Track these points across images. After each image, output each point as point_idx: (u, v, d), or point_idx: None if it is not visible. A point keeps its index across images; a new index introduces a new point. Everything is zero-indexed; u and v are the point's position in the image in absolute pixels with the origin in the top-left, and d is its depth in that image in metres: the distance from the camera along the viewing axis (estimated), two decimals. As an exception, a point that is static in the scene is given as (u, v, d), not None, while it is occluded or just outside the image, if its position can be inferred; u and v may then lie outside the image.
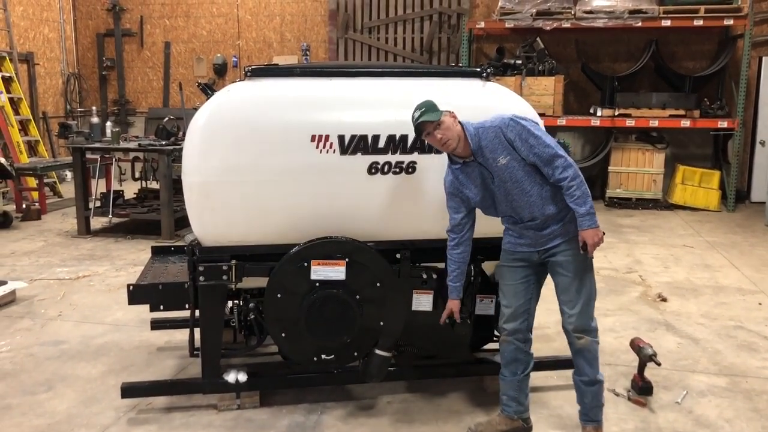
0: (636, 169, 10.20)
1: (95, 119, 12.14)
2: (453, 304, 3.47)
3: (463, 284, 3.46)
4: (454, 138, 3.16)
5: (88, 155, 8.08)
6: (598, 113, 10.04)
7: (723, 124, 9.79)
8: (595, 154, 10.72)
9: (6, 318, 5.19)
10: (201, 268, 3.51)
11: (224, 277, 3.52)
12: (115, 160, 8.42)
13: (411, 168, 3.53)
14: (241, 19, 12.44)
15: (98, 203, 8.06)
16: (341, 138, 3.44)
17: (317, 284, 3.46)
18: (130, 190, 8.76)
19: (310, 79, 3.62)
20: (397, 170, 3.53)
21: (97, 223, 8.26)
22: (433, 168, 3.54)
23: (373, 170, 3.50)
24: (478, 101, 3.67)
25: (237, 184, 3.42)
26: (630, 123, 9.86)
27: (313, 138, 3.43)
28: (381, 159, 3.50)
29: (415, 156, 3.52)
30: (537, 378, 4.05)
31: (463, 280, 3.45)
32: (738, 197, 10.12)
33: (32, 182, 9.65)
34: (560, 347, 4.53)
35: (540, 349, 4.41)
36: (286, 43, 12.34)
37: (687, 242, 7.91)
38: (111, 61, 12.88)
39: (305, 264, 3.45)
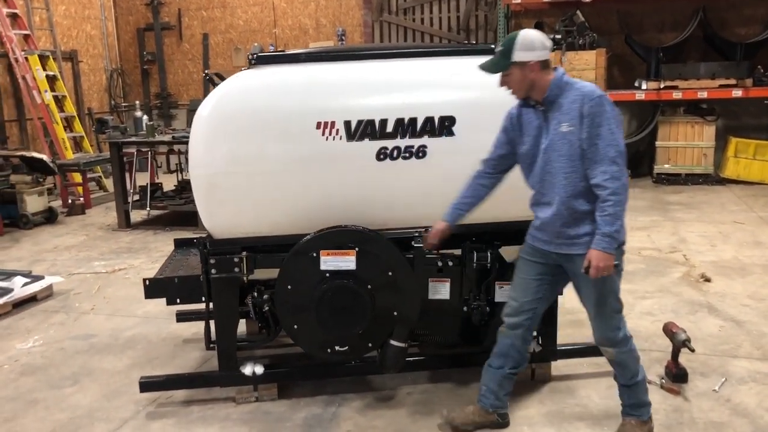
0: (685, 143, 9.77)
1: (138, 113, 12.32)
2: (439, 224, 3.23)
3: (462, 215, 3.22)
4: (517, 90, 2.97)
5: (125, 149, 8.19)
6: (643, 86, 9.65)
7: (778, 92, 9.27)
8: (642, 129, 10.28)
9: (42, 312, 5.30)
10: (212, 261, 3.48)
11: (236, 270, 3.48)
12: (151, 153, 8.51)
13: (421, 152, 3.40)
14: (277, 7, 12.42)
15: (137, 197, 8.18)
16: (347, 124, 3.34)
17: (327, 275, 3.39)
18: (171, 182, 8.87)
19: (316, 65, 3.53)
20: (407, 155, 3.40)
21: (137, 216, 8.40)
22: (445, 151, 3.41)
23: (381, 156, 3.39)
24: (489, 78, 3.49)
25: (243, 175, 3.36)
26: (677, 95, 9.43)
27: (318, 125, 3.34)
28: (390, 144, 3.38)
29: (425, 140, 3.39)
30: (566, 366, 3.92)
31: (465, 212, 3.21)
32: (796, 169, 9.58)
33: (78, 178, 9.87)
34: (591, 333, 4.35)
35: (571, 335, 4.27)
36: (322, 28, 12.27)
37: (738, 218, 7.53)
38: (152, 55, 13.07)
39: (315, 254, 3.37)
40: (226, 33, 12.76)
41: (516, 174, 3.45)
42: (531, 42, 2.90)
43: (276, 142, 3.36)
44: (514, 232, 3.51)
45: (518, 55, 2.89)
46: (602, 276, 2.86)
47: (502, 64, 2.94)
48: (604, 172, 2.79)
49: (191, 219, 7.90)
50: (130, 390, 3.89)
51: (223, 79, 3.74)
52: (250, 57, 3.51)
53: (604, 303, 3.00)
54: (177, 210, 8.10)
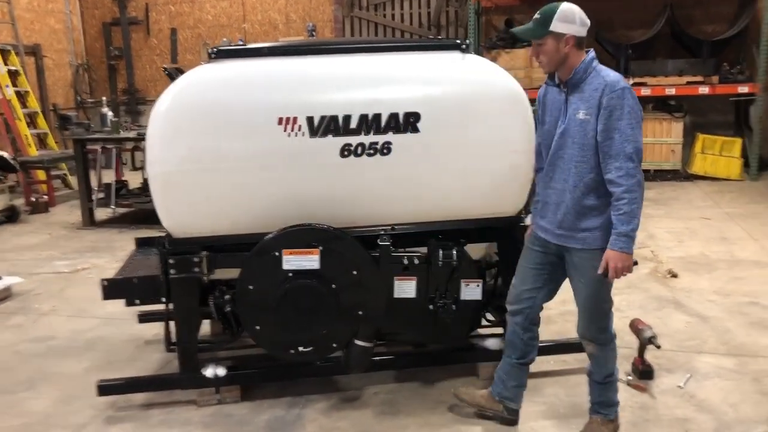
0: (653, 139, 9.84)
1: (105, 109, 12.08)
2: None
3: None
4: (548, 63, 2.84)
5: (89, 146, 8.01)
6: (612, 83, 9.68)
7: (744, 89, 9.40)
8: (611, 126, 10.37)
9: (-1, 314, 5.15)
10: (171, 261, 3.38)
11: (196, 270, 3.39)
12: (116, 149, 8.33)
13: (386, 149, 3.33)
14: (246, 2, 12.26)
15: (101, 194, 8.00)
16: (310, 120, 3.26)
17: (290, 274, 3.31)
18: (137, 179, 8.69)
19: (278, 59, 3.45)
20: (372, 152, 3.33)
21: (102, 214, 8.22)
22: (409, 147, 3.34)
23: (345, 153, 3.31)
24: (455, 74, 3.46)
25: (202, 172, 3.26)
26: (645, 92, 9.49)
27: (280, 121, 3.24)
28: (353, 140, 3.30)
29: (389, 136, 3.32)
30: (533, 363, 3.86)
31: None
32: (761, 165, 9.71)
33: (42, 175, 9.64)
34: (561, 330, 4.34)
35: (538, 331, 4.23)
36: (292, 23, 12.14)
37: (705, 214, 7.60)
38: (119, 50, 12.84)
39: (277, 254, 3.29)
40: (194, 28, 12.58)
41: (479, 171, 3.43)
42: (571, 15, 2.79)
43: (236, 138, 3.27)
44: (479, 229, 3.50)
45: (556, 26, 2.77)
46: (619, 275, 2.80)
47: (538, 32, 2.82)
48: (619, 168, 2.70)
49: (157, 217, 7.76)
50: (87, 394, 3.75)
51: (182, 72, 3.63)
52: (209, 51, 3.41)
53: (597, 299, 2.96)
54: (143, 207, 7.93)
